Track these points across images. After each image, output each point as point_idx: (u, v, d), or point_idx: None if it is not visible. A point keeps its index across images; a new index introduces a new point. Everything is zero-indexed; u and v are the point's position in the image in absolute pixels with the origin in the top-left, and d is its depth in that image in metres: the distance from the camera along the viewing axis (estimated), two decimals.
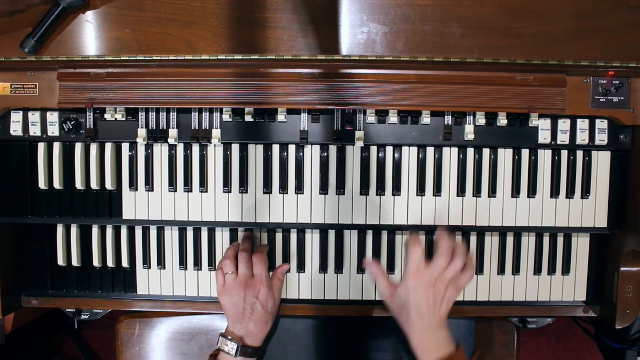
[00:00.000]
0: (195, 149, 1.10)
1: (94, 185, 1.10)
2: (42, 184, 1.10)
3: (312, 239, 1.12)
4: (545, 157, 1.10)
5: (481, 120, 1.07)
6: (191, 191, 1.10)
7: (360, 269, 1.12)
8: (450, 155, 1.09)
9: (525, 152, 1.10)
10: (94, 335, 1.87)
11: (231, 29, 0.99)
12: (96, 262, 1.13)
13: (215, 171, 1.10)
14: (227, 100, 1.03)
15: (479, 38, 0.99)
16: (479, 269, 1.12)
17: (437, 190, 1.09)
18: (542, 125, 1.07)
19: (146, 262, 1.13)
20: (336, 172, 1.09)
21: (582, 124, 1.08)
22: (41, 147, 1.09)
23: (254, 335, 1.02)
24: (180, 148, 1.10)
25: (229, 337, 1.01)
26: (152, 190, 1.10)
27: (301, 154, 1.09)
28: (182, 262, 1.12)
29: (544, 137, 1.08)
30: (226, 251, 1.07)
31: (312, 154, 1.09)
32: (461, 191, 1.09)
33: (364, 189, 1.09)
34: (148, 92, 1.03)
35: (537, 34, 0.99)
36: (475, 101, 1.03)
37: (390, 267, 1.12)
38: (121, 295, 1.14)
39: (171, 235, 1.13)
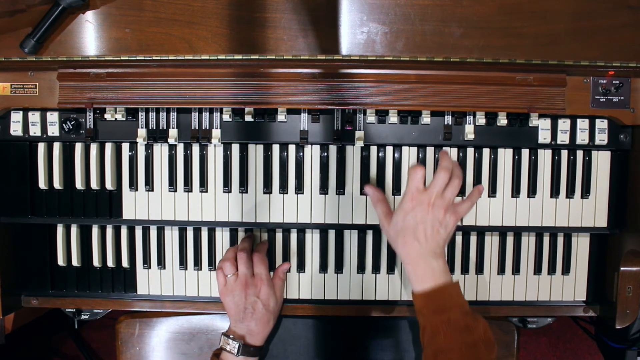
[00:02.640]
0: (195, 149, 1.10)
1: (94, 185, 1.10)
2: (42, 184, 1.10)
3: (312, 239, 1.12)
4: (545, 157, 1.10)
5: (481, 120, 1.07)
6: (191, 191, 1.10)
7: (360, 269, 1.12)
8: (450, 155, 1.09)
9: (525, 152, 1.10)
10: (94, 335, 1.86)
11: (231, 29, 0.99)
12: (96, 262, 1.13)
13: (216, 171, 1.10)
14: (227, 100, 1.03)
15: (479, 38, 0.99)
16: (479, 269, 1.12)
17: None
18: (542, 125, 1.07)
19: (146, 262, 1.13)
20: (336, 172, 1.09)
21: (582, 124, 1.08)
22: (41, 147, 1.09)
23: (255, 334, 1.02)
24: (180, 148, 1.10)
25: (231, 336, 1.01)
26: (152, 190, 1.10)
27: (301, 154, 1.09)
28: (182, 262, 1.12)
29: (544, 137, 1.08)
30: (226, 252, 1.07)
31: (312, 154, 1.09)
32: (461, 191, 1.09)
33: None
34: (148, 92, 1.03)
35: (537, 34, 0.99)
36: (475, 101, 1.03)
37: (391, 268, 1.12)
38: (121, 295, 1.15)
39: (171, 236, 1.13)
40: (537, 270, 1.12)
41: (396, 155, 1.09)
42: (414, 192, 0.95)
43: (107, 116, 1.07)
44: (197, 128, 1.08)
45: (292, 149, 1.09)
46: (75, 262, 1.13)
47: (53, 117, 1.08)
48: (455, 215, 0.96)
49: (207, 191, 1.10)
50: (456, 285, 0.93)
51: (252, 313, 1.02)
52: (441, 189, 0.95)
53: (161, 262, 1.13)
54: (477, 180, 1.09)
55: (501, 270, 1.12)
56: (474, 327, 0.88)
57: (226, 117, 1.07)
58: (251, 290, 1.03)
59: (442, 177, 0.96)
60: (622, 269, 1.06)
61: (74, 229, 1.13)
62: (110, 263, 1.13)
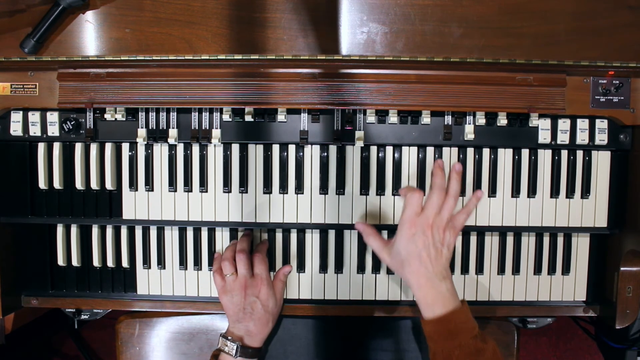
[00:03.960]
0: (195, 149, 1.10)
1: (94, 185, 1.10)
2: (42, 184, 1.10)
3: (312, 239, 1.12)
4: (545, 157, 1.10)
5: (481, 120, 1.07)
6: (191, 191, 1.10)
7: (360, 269, 1.12)
8: (450, 155, 1.09)
9: (525, 152, 1.10)
10: (94, 335, 1.86)
11: (231, 29, 0.99)
12: (96, 262, 1.13)
13: (216, 171, 1.10)
14: (227, 100, 1.03)
15: (479, 38, 0.99)
16: (479, 269, 1.12)
17: None
18: (542, 125, 1.07)
19: (146, 262, 1.13)
20: (336, 172, 1.09)
21: (582, 124, 1.08)
22: (41, 147, 1.09)
23: (254, 335, 1.02)
24: (180, 148, 1.10)
25: (229, 338, 1.01)
26: (152, 190, 1.10)
27: (301, 154, 1.09)
28: (182, 262, 1.12)
29: (544, 137, 1.08)
30: (225, 252, 1.07)
31: (312, 154, 1.09)
32: (461, 191, 1.09)
33: (364, 189, 1.09)
34: (148, 92, 1.03)
35: (537, 34, 0.99)
36: (475, 101, 1.03)
37: None
38: (121, 295, 1.14)
39: (171, 235, 1.13)
40: (537, 270, 1.12)
41: (396, 155, 1.09)
42: (412, 218, 0.94)
43: (107, 116, 1.07)
44: (197, 128, 1.08)
45: (292, 149, 1.09)
46: (75, 262, 1.13)
47: (53, 117, 1.08)
48: (454, 230, 0.95)
49: (207, 191, 1.10)
50: (465, 308, 0.92)
51: (250, 313, 1.02)
52: (438, 209, 0.94)
53: (161, 262, 1.13)
54: (477, 180, 1.09)
55: (501, 270, 1.12)
56: (484, 350, 0.88)
57: (226, 117, 1.07)
58: (250, 290, 1.03)
59: (437, 196, 0.94)
60: (622, 269, 1.06)
61: (74, 229, 1.13)
62: (110, 263, 1.13)
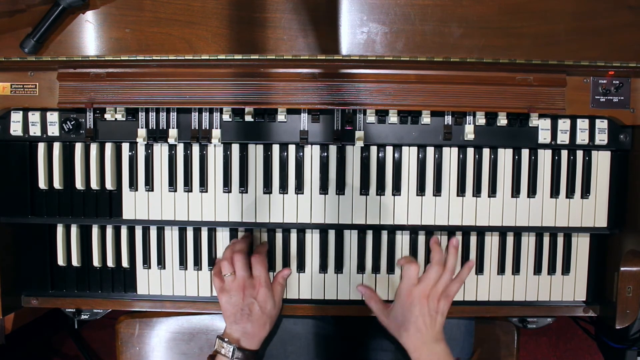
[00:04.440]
0: (195, 149, 1.10)
1: (94, 185, 1.10)
2: (42, 184, 1.10)
3: (312, 239, 1.12)
4: (545, 157, 1.10)
5: (481, 120, 1.07)
6: (191, 191, 1.10)
7: (360, 269, 1.12)
8: (450, 155, 1.09)
9: (525, 152, 1.10)
10: (94, 335, 1.87)
11: (231, 29, 0.99)
12: (96, 262, 1.13)
13: (215, 171, 1.10)
14: (227, 100, 1.03)
15: (479, 38, 0.99)
16: (479, 269, 1.12)
17: (437, 190, 1.09)
18: (542, 125, 1.07)
19: (146, 262, 1.13)
20: (336, 172, 1.09)
21: (582, 124, 1.08)
22: (41, 147, 1.09)
23: (251, 337, 1.02)
24: (180, 148, 1.10)
25: (226, 339, 1.00)
26: (152, 190, 1.10)
27: (301, 154, 1.09)
28: (182, 262, 1.12)
29: (544, 137, 1.08)
30: (224, 252, 1.07)
31: (312, 154, 1.09)
32: (461, 191, 1.09)
33: (364, 189, 1.09)
34: (148, 92, 1.03)
35: (537, 34, 0.99)
36: (475, 101, 1.03)
37: (391, 268, 1.12)
38: (121, 295, 1.14)
39: (171, 235, 1.13)
40: (537, 270, 1.12)
41: (396, 155, 1.09)
42: (410, 288, 1.03)
43: (107, 116, 1.07)
44: (197, 128, 1.08)
45: (292, 149, 1.09)
46: (75, 262, 1.13)
47: (53, 117, 1.08)
48: (448, 299, 1.03)
49: (207, 191, 1.10)
50: None
51: (248, 315, 1.02)
52: (434, 282, 1.03)
53: (161, 262, 1.13)
54: (477, 180, 1.09)
55: (501, 270, 1.12)
56: None
57: (226, 117, 1.07)
58: (249, 291, 1.02)
59: (435, 271, 1.03)
60: (622, 269, 1.06)
61: (74, 229, 1.13)
62: (110, 263, 1.13)
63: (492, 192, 1.10)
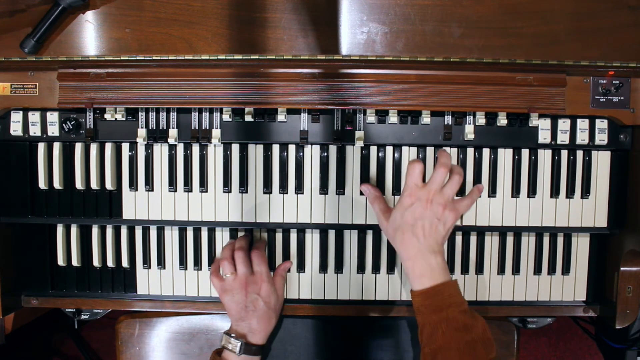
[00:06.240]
0: (195, 149, 1.10)
1: (94, 185, 1.10)
2: (42, 184, 1.10)
3: (312, 239, 1.12)
4: (545, 157, 1.10)
5: (481, 120, 1.07)
6: (191, 191, 1.10)
7: (360, 269, 1.12)
8: (450, 155, 1.09)
9: (525, 152, 1.10)
10: (94, 335, 1.87)
11: (231, 29, 0.99)
12: (96, 262, 1.13)
13: (215, 171, 1.10)
14: (227, 100, 1.03)
15: (479, 38, 0.99)
16: (479, 269, 1.12)
17: None
18: (542, 125, 1.07)
19: (146, 262, 1.13)
20: (336, 172, 1.09)
21: (582, 124, 1.08)
22: (41, 147, 1.09)
23: (257, 332, 1.02)
24: (180, 148, 1.10)
25: (233, 335, 1.00)
26: (152, 190, 1.10)
27: (301, 154, 1.09)
28: (182, 262, 1.12)
29: (544, 137, 1.08)
30: (222, 252, 1.07)
31: (312, 154, 1.09)
32: (461, 191, 1.09)
33: None
34: (148, 92, 1.03)
35: (537, 34, 0.99)
36: (475, 101, 1.03)
37: (391, 268, 1.12)
38: (121, 295, 1.15)
39: (171, 235, 1.13)
40: (537, 270, 1.12)
41: (396, 155, 1.09)
42: (412, 188, 0.95)
43: (107, 116, 1.07)
44: (197, 128, 1.08)
45: (292, 149, 1.09)
46: (75, 262, 1.13)
47: (53, 117, 1.08)
48: (455, 212, 0.96)
49: (207, 191, 1.10)
50: (455, 283, 0.93)
51: (253, 310, 1.02)
52: (440, 185, 0.95)
53: (161, 262, 1.13)
54: (477, 180, 1.09)
55: (501, 270, 1.12)
56: (472, 326, 0.88)
57: (226, 117, 1.07)
58: (251, 287, 1.02)
59: (440, 173, 0.95)
60: (622, 269, 1.06)
61: (74, 229, 1.13)
62: (110, 263, 1.13)
63: (492, 192, 1.10)
